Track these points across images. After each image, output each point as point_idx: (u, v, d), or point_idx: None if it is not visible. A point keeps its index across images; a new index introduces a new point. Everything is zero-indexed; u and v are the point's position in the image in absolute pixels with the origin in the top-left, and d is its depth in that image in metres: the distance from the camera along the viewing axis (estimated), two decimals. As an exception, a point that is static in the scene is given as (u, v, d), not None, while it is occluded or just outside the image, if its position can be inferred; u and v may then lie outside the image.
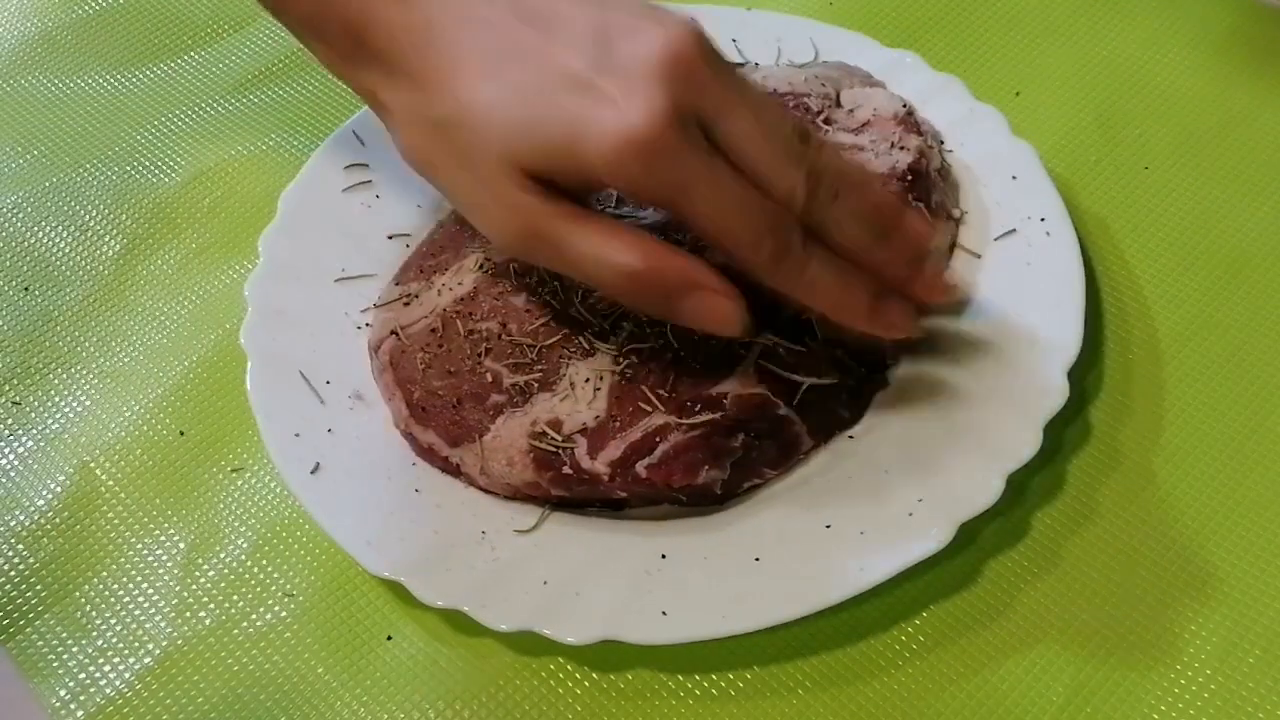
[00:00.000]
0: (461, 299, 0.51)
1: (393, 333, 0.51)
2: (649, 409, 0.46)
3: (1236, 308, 0.52)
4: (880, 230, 0.42)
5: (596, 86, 0.39)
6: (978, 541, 0.47)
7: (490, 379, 0.48)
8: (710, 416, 0.45)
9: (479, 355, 0.49)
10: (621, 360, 0.47)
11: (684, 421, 0.45)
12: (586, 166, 0.39)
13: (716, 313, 0.42)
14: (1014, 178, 0.53)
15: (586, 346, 0.48)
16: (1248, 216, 0.55)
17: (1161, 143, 0.58)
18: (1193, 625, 0.44)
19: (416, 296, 0.52)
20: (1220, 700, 0.43)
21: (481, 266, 0.51)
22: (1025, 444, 0.45)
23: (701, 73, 0.39)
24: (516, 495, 0.47)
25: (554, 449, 0.46)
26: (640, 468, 0.45)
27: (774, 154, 0.40)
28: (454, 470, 0.48)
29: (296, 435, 0.49)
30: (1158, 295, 0.53)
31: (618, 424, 0.46)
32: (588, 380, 0.47)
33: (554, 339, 0.48)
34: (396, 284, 0.53)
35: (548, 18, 0.41)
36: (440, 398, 0.48)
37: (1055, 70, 0.61)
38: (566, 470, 0.46)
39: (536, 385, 0.47)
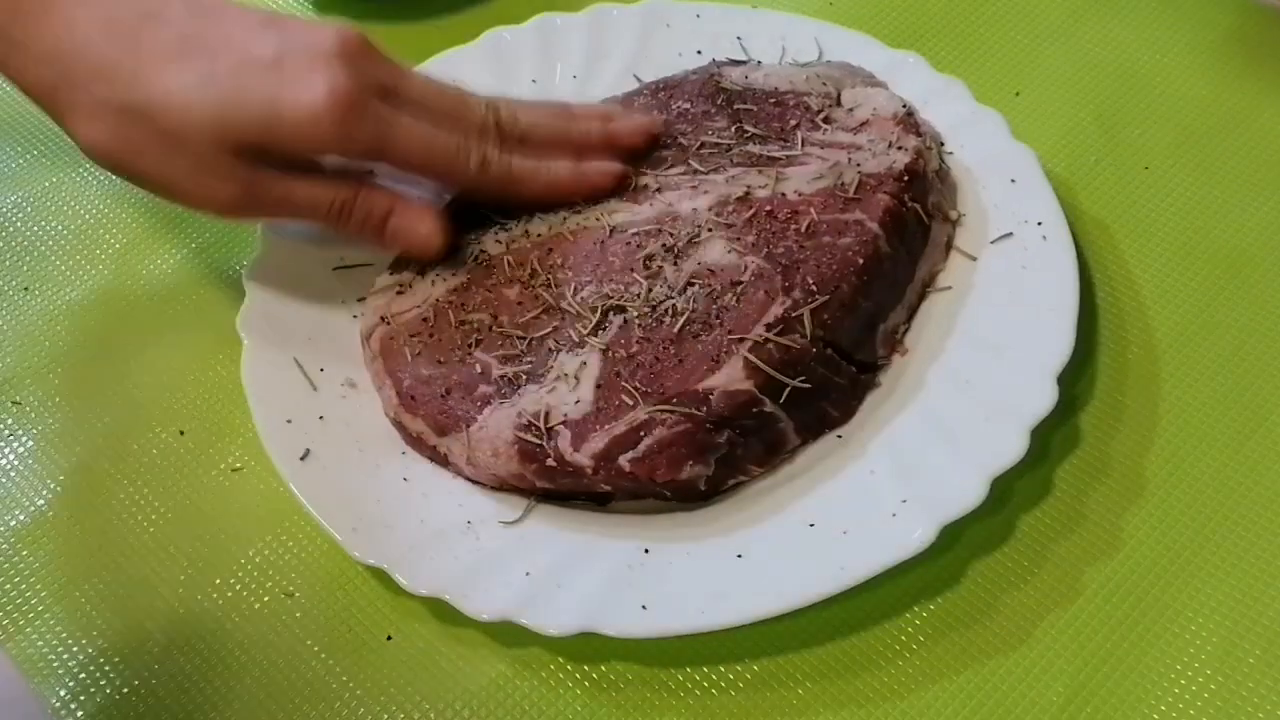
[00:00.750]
0: (454, 289, 0.51)
1: (384, 320, 0.51)
2: (633, 403, 0.46)
3: (1235, 308, 0.52)
4: (565, 118, 0.52)
5: (285, 68, 0.46)
6: (962, 541, 0.47)
7: (479, 370, 0.48)
8: (695, 412, 0.45)
9: (469, 346, 0.49)
10: (610, 354, 0.47)
11: (669, 416, 0.45)
12: (288, 135, 0.46)
13: (417, 229, 0.51)
14: (1013, 181, 0.53)
15: (576, 339, 0.48)
16: (1247, 217, 0.55)
17: (1161, 143, 0.58)
18: (1193, 625, 0.44)
19: (410, 285, 0.52)
20: (1220, 700, 0.43)
21: (475, 258, 0.52)
22: (1011, 448, 0.45)
23: (372, 54, 0.48)
24: (503, 486, 0.47)
25: (538, 441, 0.46)
26: (623, 461, 0.45)
27: (456, 95, 0.50)
28: (442, 459, 0.48)
29: (288, 421, 0.49)
30: (1156, 296, 0.53)
31: (603, 416, 0.46)
32: (575, 373, 0.47)
33: (544, 331, 0.49)
34: (391, 273, 0.54)
35: (221, 20, 0.47)
36: (429, 387, 0.49)
37: (1055, 71, 0.61)
38: (550, 462, 0.46)
39: (525, 377, 0.47)
